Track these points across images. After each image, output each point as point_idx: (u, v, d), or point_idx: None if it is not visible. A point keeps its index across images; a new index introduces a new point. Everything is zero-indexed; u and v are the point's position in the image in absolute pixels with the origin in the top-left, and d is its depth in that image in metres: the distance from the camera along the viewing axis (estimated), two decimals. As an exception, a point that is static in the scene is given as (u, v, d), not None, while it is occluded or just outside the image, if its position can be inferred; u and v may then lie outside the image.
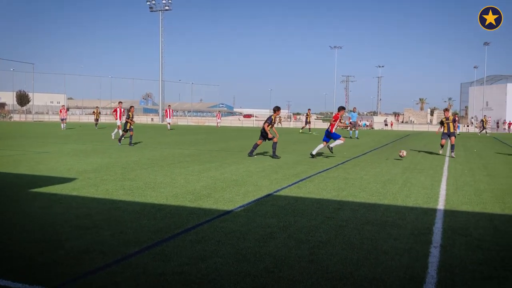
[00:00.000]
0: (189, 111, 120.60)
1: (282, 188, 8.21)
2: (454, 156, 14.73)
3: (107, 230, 5.25)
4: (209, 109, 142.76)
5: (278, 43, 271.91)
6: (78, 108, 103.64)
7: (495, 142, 27.48)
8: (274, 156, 13.59)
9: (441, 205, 6.93)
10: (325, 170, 10.85)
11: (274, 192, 7.85)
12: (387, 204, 7.01)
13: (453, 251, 4.61)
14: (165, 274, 3.90)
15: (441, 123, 15.58)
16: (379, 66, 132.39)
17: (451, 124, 15.28)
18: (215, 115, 69.46)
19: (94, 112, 40.04)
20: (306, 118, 34.44)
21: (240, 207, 6.56)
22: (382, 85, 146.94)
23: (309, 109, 35.13)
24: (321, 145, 13.93)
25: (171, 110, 37.53)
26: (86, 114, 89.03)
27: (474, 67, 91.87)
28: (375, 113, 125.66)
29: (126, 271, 3.96)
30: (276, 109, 14.28)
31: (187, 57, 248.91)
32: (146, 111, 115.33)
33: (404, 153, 13.73)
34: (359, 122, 30.22)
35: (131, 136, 17.99)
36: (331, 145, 14.08)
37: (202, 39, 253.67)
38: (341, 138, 13.85)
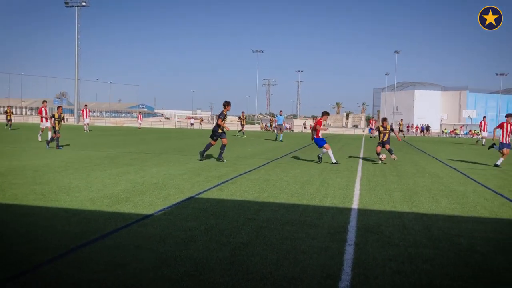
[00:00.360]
0: (107, 112, 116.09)
1: (204, 191, 8.18)
2: (396, 157, 14.42)
3: (16, 238, 4.90)
4: (128, 109, 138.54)
5: (201, 44, 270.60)
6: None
7: (403, 144, 29.42)
8: (219, 157, 13.29)
9: (355, 205, 7.28)
10: (247, 172, 10.97)
11: (196, 194, 7.79)
12: (306, 204, 7.24)
13: (366, 248, 4.87)
14: (80, 282, 3.72)
15: (378, 131, 14.99)
16: (299, 71, 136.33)
17: (387, 134, 14.83)
18: (136, 116, 67.43)
19: (6, 111, 36.52)
20: (241, 121, 34.01)
21: (161, 210, 6.43)
22: (301, 89, 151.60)
23: (242, 112, 35.02)
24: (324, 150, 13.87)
25: (87, 110, 35.75)
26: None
27: (385, 74, 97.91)
28: (295, 116, 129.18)
29: (37, 281, 3.73)
30: (226, 104, 13.51)
31: (105, 56, 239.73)
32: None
33: (384, 156, 14.19)
34: (285, 125, 30.67)
35: (57, 138, 16.70)
36: (319, 155, 13.99)
37: (121, 37, 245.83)
38: (325, 145, 13.72)
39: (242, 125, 33.71)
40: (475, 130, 65.35)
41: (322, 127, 14.04)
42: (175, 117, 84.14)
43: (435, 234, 5.54)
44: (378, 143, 14.86)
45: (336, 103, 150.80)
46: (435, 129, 75.37)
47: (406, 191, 8.84)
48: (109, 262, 4.19)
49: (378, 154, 14.47)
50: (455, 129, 69.19)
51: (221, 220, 5.95)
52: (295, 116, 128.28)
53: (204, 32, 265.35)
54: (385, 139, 14.67)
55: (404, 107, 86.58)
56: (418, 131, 69.68)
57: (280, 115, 30.89)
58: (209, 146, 13.53)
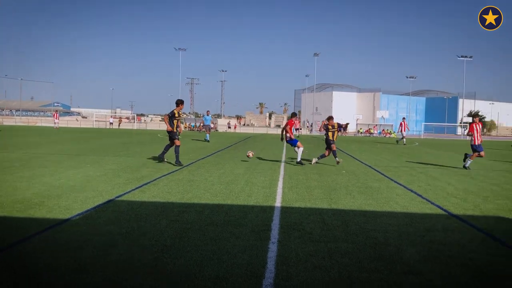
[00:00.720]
0: (17, 110, 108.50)
1: (125, 193, 7.91)
2: (339, 160, 14.19)
3: None
4: (42, 108, 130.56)
5: (120, 40, 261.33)
6: None
7: (322, 142, 30.49)
8: (176, 162, 12.34)
9: (278, 203, 7.44)
10: (170, 173, 10.78)
11: (116, 197, 7.52)
12: (230, 204, 7.27)
13: (289, 245, 4.99)
14: (-13, 296, 3.44)
15: (326, 129, 14.61)
16: (222, 71, 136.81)
17: (336, 133, 14.55)
18: (52, 115, 63.67)
19: None
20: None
21: (78, 215, 6.13)
22: (225, 89, 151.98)
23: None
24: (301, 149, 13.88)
25: None
26: None
27: (306, 76, 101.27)
28: (219, 116, 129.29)
29: None
30: (180, 103, 12.87)
31: (16, 50, 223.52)
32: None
33: (251, 154, 14.30)
34: (212, 125, 30.13)
35: None
36: (298, 160, 13.92)
37: (33, 29, 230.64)
38: (298, 143, 13.88)
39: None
40: (388, 130, 69.54)
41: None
42: (93, 116, 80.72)
43: (353, 229, 5.82)
44: (331, 141, 14.38)
45: (260, 103, 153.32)
46: (351, 128, 79.16)
47: (326, 188, 9.19)
48: (21, 272, 3.92)
49: (334, 152, 14.22)
50: (369, 129, 73.09)
51: (143, 223, 5.79)
52: (219, 116, 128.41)
53: (121, 29, 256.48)
54: (335, 138, 14.49)
55: (323, 107, 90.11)
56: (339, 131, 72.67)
57: (208, 115, 30.31)
58: (177, 148, 12.63)
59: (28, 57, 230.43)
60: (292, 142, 14.20)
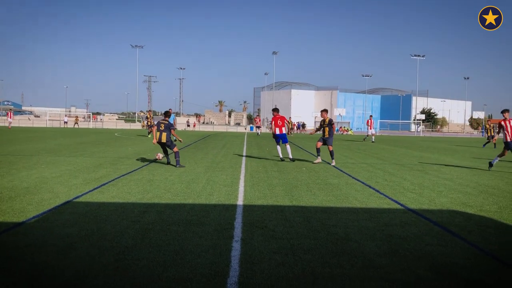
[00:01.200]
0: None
1: (82, 194, 7.69)
2: (334, 164, 13.51)
3: None
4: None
5: (74, 37, 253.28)
6: None
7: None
8: (177, 164, 11.94)
9: (240, 201, 7.44)
10: (129, 173, 10.57)
11: (74, 198, 7.30)
12: (192, 203, 7.21)
13: (252, 243, 5.01)
14: None
15: (320, 125, 14.01)
16: (181, 68, 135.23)
17: (326, 129, 13.85)
18: (6, 113, 61.10)
19: None
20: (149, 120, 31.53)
21: (34, 217, 5.91)
22: (183, 87, 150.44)
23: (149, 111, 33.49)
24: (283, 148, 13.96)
25: None
26: None
27: (265, 74, 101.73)
28: (178, 114, 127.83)
29: None
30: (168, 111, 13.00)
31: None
32: None
33: (160, 156, 12.97)
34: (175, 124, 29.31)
35: None
36: (290, 157, 14.13)
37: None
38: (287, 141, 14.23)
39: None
40: (345, 127, 70.95)
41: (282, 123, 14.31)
42: (47, 115, 77.99)
43: (314, 225, 5.90)
44: (320, 138, 14.06)
45: (219, 101, 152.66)
46: (310, 126, 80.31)
47: (287, 185, 9.28)
48: (-27, 279, 3.74)
49: (318, 150, 13.96)
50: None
51: (102, 225, 5.65)
52: (178, 114, 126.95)
53: (78, 25, 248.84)
54: (326, 135, 13.78)
55: (282, 105, 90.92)
56: (295, 128, 73.51)
57: (171, 113, 29.22)
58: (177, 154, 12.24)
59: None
60: (284, 137, 14.37)
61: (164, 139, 12.07)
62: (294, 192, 8.51)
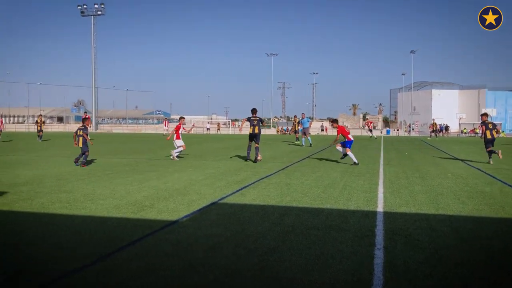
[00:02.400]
0: (124, 119, 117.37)
1: (226, 196, 8.17)
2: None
3: (44, 247, 4.95)
4: (145, 116, 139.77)
5: (214, 48, 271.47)
6: (3, 116, 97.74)
7: (421, 144, 29.08)
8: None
9: (380, 208, 7.19)
10: (267, 176, 10.93)
11: (219, 200, 7.79)
12: (330, 208, 7.17)
13: (396, 252, 4.79)
14: (111, 291, 3.73)
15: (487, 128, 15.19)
16: (314, 73, 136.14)
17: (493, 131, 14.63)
18: (162, 122, 67.88)
19: (37, 121, 30.09)
20: (295, 125, 30.75)
21: (185, 217, 6.44)
22: (316, 91, 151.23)
23: (295, 116, 32.23)
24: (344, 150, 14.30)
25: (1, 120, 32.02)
26: (13, 123, 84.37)
27: (402, 74, 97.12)
28: (311, 118, 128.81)
29: (68, 290, 3.75)
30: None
31: (121, 63, 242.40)
32: (78, 119, 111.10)
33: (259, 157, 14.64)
34: (310, 128, 28.11)
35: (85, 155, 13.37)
36: (355, 161, 14.19)
37: (136, 44, 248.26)
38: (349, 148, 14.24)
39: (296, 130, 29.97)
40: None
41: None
42: (192, 123, 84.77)
43: (465, 236, 5.43)
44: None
45: (353, 105, 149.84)
46: (453, 128, 74.38)
47: (431, 192, 8.70)
48: (138, 270, 4.20)
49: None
50: (474, 128, 68.13)
51: (246, 226, 5.92)
52: (311, 118, 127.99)
53: (216, 37, 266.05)
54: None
55: (422, 107, 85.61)
56: (438, 131, 68.78)
57: (303, 118, 27.28)
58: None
59: (132, 70, 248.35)
60: (349, 143, 14.15)
61: (256, 131, 14.59)
62: (439, 199, 7.95)
